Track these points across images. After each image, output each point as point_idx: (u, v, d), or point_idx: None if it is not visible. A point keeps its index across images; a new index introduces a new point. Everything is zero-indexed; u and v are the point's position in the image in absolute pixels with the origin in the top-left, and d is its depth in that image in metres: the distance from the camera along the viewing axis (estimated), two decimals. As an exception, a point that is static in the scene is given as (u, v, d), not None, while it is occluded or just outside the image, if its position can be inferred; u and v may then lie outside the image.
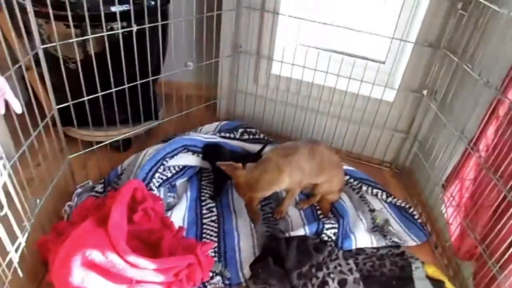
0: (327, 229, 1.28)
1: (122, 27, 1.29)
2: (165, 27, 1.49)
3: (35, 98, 1.09)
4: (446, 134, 1.36)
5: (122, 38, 1.28)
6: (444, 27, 1.40)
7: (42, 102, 1.33)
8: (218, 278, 1.15)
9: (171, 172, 1.44)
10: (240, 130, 1.68)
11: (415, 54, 1.50)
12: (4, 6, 0.97)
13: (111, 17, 1.25)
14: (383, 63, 1.64)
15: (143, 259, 0.98)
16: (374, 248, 1.30)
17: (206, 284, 1.13)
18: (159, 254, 1.10)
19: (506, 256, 1.00)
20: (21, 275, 0.96)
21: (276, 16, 1.59)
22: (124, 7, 1.28)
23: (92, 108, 1.30)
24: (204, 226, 1.33)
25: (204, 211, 1.39)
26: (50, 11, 1.07)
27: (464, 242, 1.20)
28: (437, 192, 1.40)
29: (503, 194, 1.03)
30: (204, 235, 1.29)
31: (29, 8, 1.01)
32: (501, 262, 1.02)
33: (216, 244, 1.26)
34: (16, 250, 0.93)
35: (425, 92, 1.53)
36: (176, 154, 1.43)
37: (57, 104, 1.21)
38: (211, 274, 1.15)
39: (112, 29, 1.28)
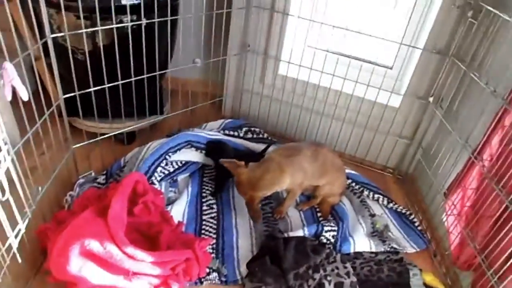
0: (326, 231, 1.28)
1: (132, 20, 1.30)
2: (174, 23, 1.50)
3: (42, 88, 1.10)
4: (450, 142, 1.35)
5: (131, 32, 1.29)
6: (453, 35, 1.39)
7: (49, 92, 1.34)
8: (215, 274, 1.15)
9: (173, 167, 1.44)
10: (245, 129, 1.69)
11: (423, 61, 1.49)
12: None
13: (121, 10, 1.26)
14: (391, 68, 1.64)
15: (140, 251, 0.99)
16: (372, 253, 1.30)
17: (203, 279, 1.13)
18: (157, 247, 1.11)
19: (506, 267, 0.99)
20: (19, 261, 0.97)
21: (285, 17, 1.59)
22: (135, 1, 1.29)
23: (98, 100, 1.31)
24: (204, 222, 1.33)
25: (204, 208, 1.39)
26: (61, 1, 1.08)
27: (464, 252, 1.20)
28: (438, 200, 1.39)
29: (505, 205, 1.03)
30: (203, 231, 1.30)
31: (41, -3, 1.02)
32: (500, 273, 1.01)
33: (214, 241, 1.26)
34: (16, 236, 0.94)
35: (431, 99, 1.52)
36: (179, 149, 1.44)
37: (64, 94, 1.21)
38: (208, 270, 1.15)
39: (121, 21, 1.29)
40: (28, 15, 1.03)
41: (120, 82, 1.32)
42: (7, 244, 0.92)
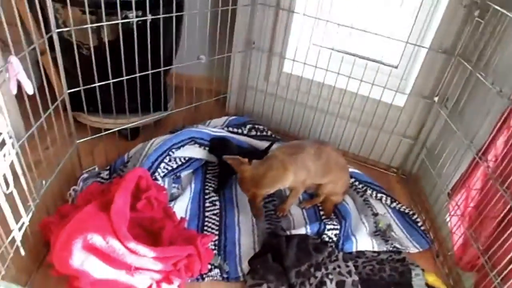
0: (329, 230, 1.28)
1: (137, 16, 1.30)
2: (179, 19, 1.50)
3: (47, 83, 1.11)
4: (455, 142, 1.34)
5: (136, 27, 1.29)
6: (460, 34, 1.38)
7: (54, 86, 1.35)
8: (217, 271, 1.15)
9: (176, 163, 1.45)
10: (248, 126, 1.69)
11: (428, 60, 1.48)
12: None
13: (126, 5, 1.26)
14: (396, 67, 1.63)
15: (143, 247, 0.99)
16: (374, 252, 1.30)
17: (204, 276, 1.13)
18: (160, 243, 1.11)
19: (509, 268, 0.98)
20: (23, 253, 0.98)
21: (290, 14, 1.59)
22: (140, -3, 1.29)
23: (103, 95, 1.31)
24: (206, 219, 1.33)
25: (207, 204, 1.39)
26: (67, -5, 1.08)
27: (467, 252, 1.19)
28: (442, 200, 1.39)
29: (509, 206, 1.02)
30: (205, 228, 1.30)
31: (47, -8, 1.03)
32: (503, 274, 1.00)
33: (216, 237, 1.26)
34: (20, 229, 0.95)
35: (436, 98, 1.51)
36: (182, 146, 1.44)
37: (69, 89, 1.22)
38: (209, 267, 1.15)
39: (127, 17, 1.29)
40: (34, 9, 1.03)
41: (125, 77, 1.32)
42: (10, 237, 0.92)
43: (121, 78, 1.32)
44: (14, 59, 0.87)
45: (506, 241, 1.00)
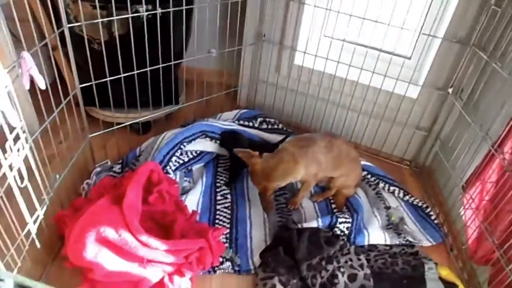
0: (340, 223, 1.27)
1: (147, 10, 1.30)
2: (189, 12, 1.49)
3: (59, 78, 1.12)
4: (469, 134, 1.32)
5: (147, 21, 1.29)
6: (475, 23, 1.34)
7: (67, 81, 1.36)
8: (228, 264, 1.16)
9: (188, 156, 1.45)
10: (259, 119, 1.68)
11: (442, 50, 1.45)
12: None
13: (137, -1, 1.26)
14: (409, 58, 1.60)
15: (154, 240, 1.00)
16: (387, 245, 1.29)
17: (216, 268, 1.14)
18: (171, 236, 1.12)
19: (524, 262, 0.97)
20: (38, 246, 1.00)
21: (301, 6, 1.57)
22: (150, -10, 1.29)
23: (114, 90, 1.32)
24: (218, 212, 1.34)
25: (219, 197, 1.40)
26: (78, -10, 1.08)
27: (481, 246, 1.17)
28: (456, 193, 1.36)
29: (525, 199, 1.00)
30: (216, 221, 1.30)
31: (57, -13, 1.03)
32: (518, 268, 0.99)
33: (228, 231, 1.27)
34: (35, 222, 0.97)
35: (450, 90, 1.48)
36: (194, 139, 1.44)
37: (80, 84, 1.23)
38: (221, 260, 1.16)
39: (137, 11, 1.29)
40: (46, 5, 1.04)
41: (136, 72, 1.33)
42: (26, 230, 0.94)
43: (132, 72, 1.32)
44: (26, 55, 0.88)
45: (522, 235, 0.98)
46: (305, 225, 1.27)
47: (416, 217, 1.42)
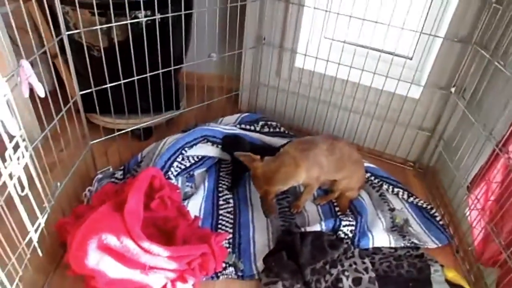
0: (344, 226, 1.26)
1: (146, 16, 1.30)
2: (188, 17, 1.49)
3: (59, 86, 1.12)
4: (473, 134, 1.30)
5: (146, 27, 1.29)
6: (476, 22, 1.33)
7: (67, 89, 1.36)
8: (231, 269, 1.15)
9: (189, 161, 1.45)
10: (261, 123, 1.67)
11: (444, 50, 1.44)
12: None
13: (135, 5, 1.26)
14: (410, 58, 1.59)
15: (156, 246, 0.99)
16: (392, 248, 1.27)
17: (219, 274, 1.13)
18: (174, 242, 1.11)
19: (532, 263, 0.95)
20: (40, 254, 0.99)
21: (301, 8, 1.56)
22: (149, -4, 1.29)
23: (115, 96, 1.32)
24: (220, 217, 1.33)
25: (221, 202, 1.39)
26: (76, -2, 1.09)
27: (488, 248, 1.16)
28: (461, 194, 1.35)
29: (531, 199, 0.98)
30: (219, 226, 1.29)
31: (55, -6, 1.03)
32: (526, 269, 0.97)
33: (231, 235, 1.26)
34: (36, 230, 0.96)
35: (453, 89, 1.47)
36: (195, 144, 1.44)
37: (81, 91, 1.23)
38: (224, 265, 1.15)
39: (136, 17, 1.30)
40: (45, 13, 1.04)
41: (136, 77, 1.32)
42: (27, 238, 0.94)
43: (132, 78, 1.32)
44: (25, 63, 0.88)
45: (529, 236, 0.97)
46: (309, 228, 1.25)
47: (421, 218, 1.41)
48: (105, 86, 1.27)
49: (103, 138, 1.37)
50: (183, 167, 1.42)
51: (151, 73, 1.36)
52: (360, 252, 1.21)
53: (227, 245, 1.22)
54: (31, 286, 1.03)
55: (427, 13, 1.43)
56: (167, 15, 1.33)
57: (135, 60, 1.28)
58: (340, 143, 1.35)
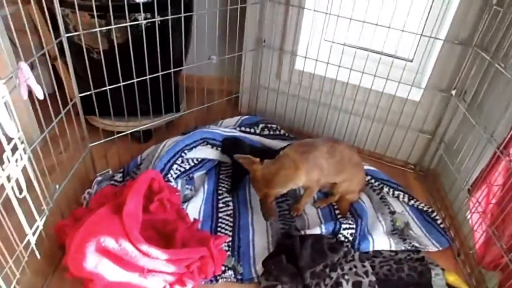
0: (344, 229, 1.25)
1: (146, 18, 1.30)
2: (188, 20, 1.49)
3: (59, 88, 1.12)
4: (474, 136, 1.29)
5: (145, 29, 1.29)
6: (477, 24, 1.33)
7: (67, 91, 1.36)
8: (230, 272, 1.14)
9: (189, 164, 1.44)
10: (261, 125, 1.67)
11: (444, 52, 1.43)
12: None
13: (135, 8, 1.26)
14: (411, 61, 1.59)
15: (155, 249, 0.99)
16: (392, 251, 1.26)
17: (218, 277, 1.12)
18: (173, 245, 1.10)
19: (534, 267, 0.94)
20: (38, 256, 0.99)
21: (301, 11, 1.56)
22: (149, -2, 1.29)
23: (114, 98, 1.32)
24: (220, 220, 1.32)
25: (220, 205, 1.38)
26: (75, 0, 1.08)
27: (489, 251, 1.15)
28: (462, 196, 1.34)
29: (533, 202, 0.98)
30: (219, 229, 1.29)
31: (55, -3, 1.03)
32: (528, 273, 0.96)
33: (230, 238, 1.25)
34: (34, 233, 0.96)
35: (453, 92, 1.46)
36: (195, 147, 1.43)
37: (80, 93, 1.23)
38: (223, 268, 1.14)
39: (135, 19, 1.30)
40: (44, 15, 1.04)
41: (136, 80, 1.32)
42: (25, 241, 0.93)
43: (132, 81, 1.32)
44: (23, 65, 0.88)
45: (531, 239, 0.96)
46: (308, 231, 1.25)
47: (422, 221, 1.40)
48: (105, 88, 1.27)
49: (102, 141, 1.37)
50: (182, 169, 1.41)
51: (151, 76, 1.36)
52: (360, 256, 1.20)
53: (227, 248, 1.22)
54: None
55: (428, 15, 1.42)
56: (167, 17, 1.33)
57: (135, 63, 1.28)
58: (340, 146, 1.34)
